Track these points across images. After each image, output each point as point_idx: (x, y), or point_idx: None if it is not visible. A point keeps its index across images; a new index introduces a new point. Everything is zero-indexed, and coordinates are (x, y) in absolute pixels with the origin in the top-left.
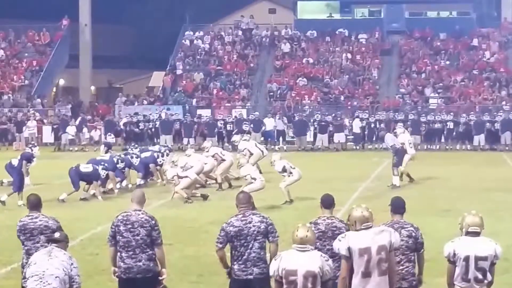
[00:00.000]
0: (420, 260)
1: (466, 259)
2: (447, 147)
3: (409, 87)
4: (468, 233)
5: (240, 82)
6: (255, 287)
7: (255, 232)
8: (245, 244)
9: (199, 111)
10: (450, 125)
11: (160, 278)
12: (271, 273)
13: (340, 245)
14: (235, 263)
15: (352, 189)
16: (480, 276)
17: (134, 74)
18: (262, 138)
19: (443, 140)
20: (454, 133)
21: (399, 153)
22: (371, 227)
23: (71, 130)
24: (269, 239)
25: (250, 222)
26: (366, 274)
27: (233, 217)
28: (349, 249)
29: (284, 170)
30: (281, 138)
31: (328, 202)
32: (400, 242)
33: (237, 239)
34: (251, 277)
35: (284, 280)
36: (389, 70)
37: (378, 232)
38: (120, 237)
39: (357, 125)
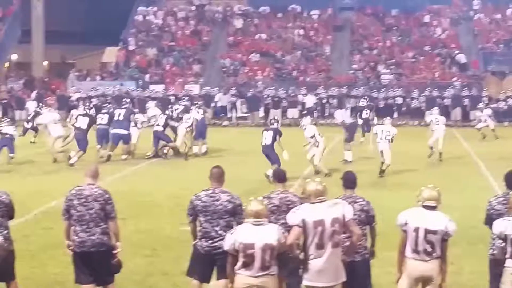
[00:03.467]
0: (372, 233)
1: (416, 230)
2: (398, 122)
3: (361, 63)
4: (424, 207)
5: (193, 57)
6: (221, 262)
7: (221, 210)
8: (211, 220)
9: (152, 86)
10: (400, 100)
11: (114, 252)
12: (226, 247)
13: (294, 217)
14: (202, 239)
15: (305, 164)
16: (429, 249)
17: (87, 49)
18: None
19: (395, 116)
20: (405, 109)
21: (350, 128)
22: (325, 200)
23: (31, 105)
24: (235, 219)
25: (218, 200)
26: (320, 246)
27: (203, 191)
28: (303, 221)
29: (313, 136)
30: (233, 113)
31: (281, 177)
32: (353, 216)
33: (203, 214)
34: (220, 250)
35: (241, 254)
36: (341, 46)
37: (332, 205)
38: (74, 211)
39: (311, 101)
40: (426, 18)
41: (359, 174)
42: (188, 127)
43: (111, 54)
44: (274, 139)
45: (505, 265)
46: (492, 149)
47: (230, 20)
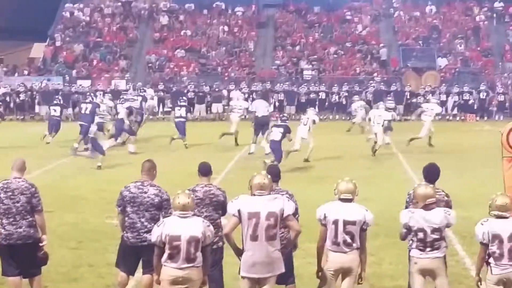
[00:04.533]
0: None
1: (335, 222)
2: (321, 117)
3: (284, 58)
4: (340, 200)
5: (119, 53)
6: (146, 254)
7: (148, 203)
8: (138, 212)
9: (79, 82)
10: (323, 95)
11: (40, 244)
12: (153, 239)
13: (231, 206)
14: (128, 230)
15: (229, 158)
16: (348, 240)
17: (14, 45)
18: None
19: (317, 110)
20: (327, 104)
21: (261, 123)
22: (265, 194)
23: None
24: (162, 214)
25: (145, 192)
26: (254, 238)
27: (132, 183)
28: (239, 211)
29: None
30: (160, 108)
31: (205, 170)
32: (293, 212)
33: (131, 205)
34: (145, 243)
35: (167, 246)
36: (265, 42)
37: (272, 199)
38: (1, 204)
39: (236, 96)
40: (348, 15)
41: (282, 168)
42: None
43: (38, 50)
44: (283, 136)
45: (410, 254)
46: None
47: (156, 16)
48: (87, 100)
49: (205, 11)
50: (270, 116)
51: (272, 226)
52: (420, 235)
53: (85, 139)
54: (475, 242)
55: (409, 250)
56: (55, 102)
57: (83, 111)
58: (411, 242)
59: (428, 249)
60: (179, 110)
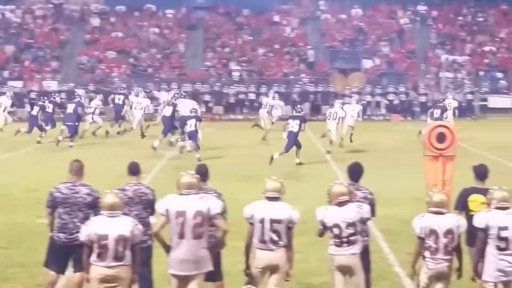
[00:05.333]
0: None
1: (262, 221)
2: (250, 117)
3: (214, 60)
4: (267, 198)
5: (51, 55)
6: (77, 254)
7: (81, 203)
8: (70, 212)
9: (10, 83)
10: (252, 96)
11: None
12: (81, 238)
13: (159, 206)
14: (59, 231)
15: (159, 157)
16: (275, 238)
17: None
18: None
19: (246, 110)
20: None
21: (166, 121)
22: (193, 193)
23: None
24: (94, 212)
25: (77, 193)
26: (181, 236)
27: (62, 184)
28: (167, 210)
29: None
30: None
31: (134, 169)
32: (220, 211)
33: (62, 206)
34: (77, 242)
35: (96, 245)
36: (195, 44)
37: (199, 198)
38: None
39: (163, 97)
40: (276, 18)
41: (212, 167)
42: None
43: None
44: (300, 127)
45: (328, 252)
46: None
47: (87, 18)
48: (75, 100)
49: (136, 13)
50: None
51: (199, 225)
52: (336, 231)
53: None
54: (399, 239)
55: (328, 247)
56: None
57: (67, 111)
58: (329, 239)
59: (344, 245)
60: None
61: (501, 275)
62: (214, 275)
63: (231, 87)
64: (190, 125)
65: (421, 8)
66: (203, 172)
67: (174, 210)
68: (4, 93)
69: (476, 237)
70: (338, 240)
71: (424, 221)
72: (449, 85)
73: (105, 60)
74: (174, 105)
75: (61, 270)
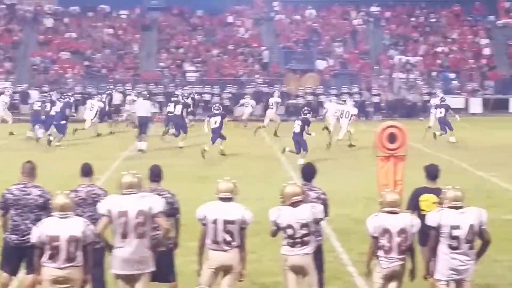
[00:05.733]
0: (177, 224)
1: (215, 221)
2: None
3: (168, 61)
4: (220, 199)
5: (4, 55)
6: (29, 255)
7: (32, 204)
8: (22, 214)
9: None
10: (207, 97)
11: None
12: (33, 240)
13: (101, 206)
14: (12, 232)
15: (113, 158)
16: (228, 238)
17: None
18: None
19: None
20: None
21: (142, 123)
22: (134, 192)
23: None
24: (45, 214)
25: (29, 194)
26: (124, 236)
27: (14, 185)
28: (109, 211)
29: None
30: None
31: (87, 170)
32: (161, 210)
33: (14, 208)
34: (29, 244)
35: (47, 246)
36: (149, 45)
37: (140, 197)
38: None
39: (117, 98)
40: (230, 19)
41: (167, 168)
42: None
43: None
44: (303, 128)
45: (281, 252)
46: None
47: (41, 19)
48: (63, 100)
49: (90, 14)
50: (152, 117)
51: (141, 224)
52: (289, 231)
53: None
54: (352, 238)
55: (281, 247)
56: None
57: (55, 110)
58: (282, 239)
59: (298, 245)
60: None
61: (453, 274)
62: (167, 276)
63: (185, 88)
64: (215, 122)
65: (374, 9)
66: (156, 173)
67: (116, 210)
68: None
69: (429, 236)
70: (291, 241)
71: (378, 221)
72: (402, 85)
73: (59, 61)
74: (187, 104)
75: (14, 272)
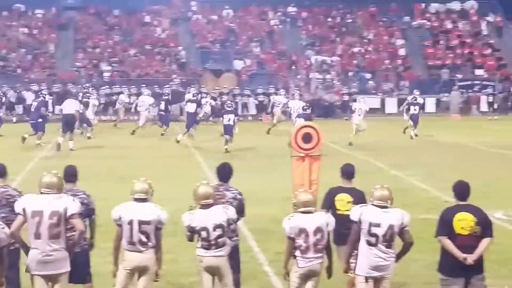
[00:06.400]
0: (92, 225)
1: (130, 222)
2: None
3: (84, 60)
4: (135, 200)
5: None
6: None
7: None
8: None
9: None
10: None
11: None
12: None
13: (17, 205)
14: None
15: (29, 159)
16: (144, 239)
17: None
18: None
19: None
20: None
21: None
22: (53, 192)
23: None
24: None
25: None
26: (37, 236)
27: None
28: (23, 210)
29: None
30: None
31: (0, 171)
32: (77, 211)
33: None
34: None
35: None
36: (65, 44)
37: (57, 198)
38: None
39: (29, 98)
40: (147, 18)
41: (83, 168)
42: None
43: None
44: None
45: (196, 253)
46: (210, 143)
47: None
48: (38, 99)
49: (4, 13)
50: (77, 115)
51: (55, 225)
52: (204, 234)
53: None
54: (269, 238)
55: (196, 249)
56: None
57: (31, 109)
58: (197, 241)
59: (213, 247)
60: None
61: (372, 270)
62: (83, 277)
63: (102, 88)
64: (229, 119)
65: (291, 9)
66: (72, 173)
67: (30, 209)
68: None
69: (343, 235)
70: (206, 243)
71: (294, 221)
72: (319, 86)
73: None
74: (198, 102)
75: None
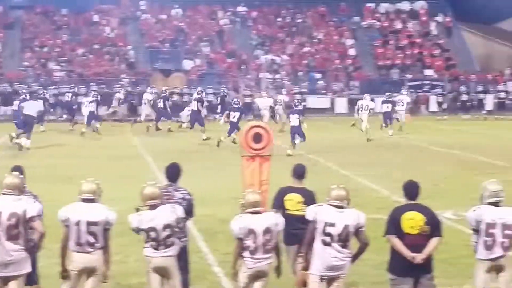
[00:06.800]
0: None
1: (78, 223)
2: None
3: (32, 60)
4: (83, 200)
5: None
6: None
7: None
8: None
9: None
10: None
11: None
12: None
13: None
14: None
15: None
16: (92, 240)
17: None
18: None
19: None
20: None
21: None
22: (13, 194)
23: None
24: None
25: None
26: None
27: None
28: None
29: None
30: None
31: None
32: (37, 213)
33: None
34: None
35: None
36: (12, 43)
37: (16, 200)
38: None
39: None
40: (96, 18)
41: (30, 168)
42: None
43: None
44: (299, 120)
45: (144, 254)
46: (159, 143)
47: None
48: (20, 97)
49: None
50: (36, 117)
51: (13, 226)
52: (152, 234)
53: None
54: (218, 238)
55: (144, 250)
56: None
57: (13, 108)
58: (145, 242)
59: (161, 247)
60: None
61: (327, 270)
62: (30, 278)
63: (50, 88)
64: (234, 117)
65: (241, 9)
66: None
67: None
68: None
69: (293, 236)
70: (155, 243)
71: (242, 222)
72: (269, 85)
73: None
74: (202, 101)
75: None
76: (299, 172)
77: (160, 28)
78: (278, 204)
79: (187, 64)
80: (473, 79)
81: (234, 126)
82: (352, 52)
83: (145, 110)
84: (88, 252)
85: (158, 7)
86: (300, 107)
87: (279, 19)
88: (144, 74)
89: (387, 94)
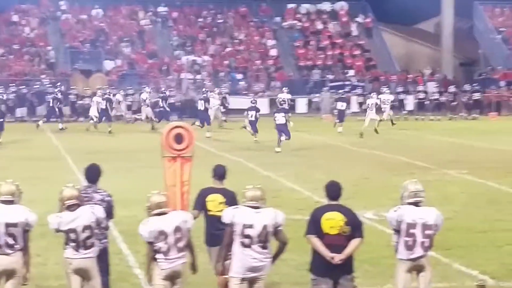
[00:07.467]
0: None
1: None
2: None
3: None
4: (2, 202)
5: None
6: None
7: None
8: None
9: None
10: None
11: None
12: None
13: None
14: None
15: None
16: (11, 242)
17: None
18: None
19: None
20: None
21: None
22: None
23: None
24: None
25: None
26: None
27: None
28: None
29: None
30: None
31: None
32: None
33: None
34: None
35: None
36: None
37: None
38: None
39: None
40: (15, 18)
41: None
42: None
43: None
44: (285, 118)
45: (64, 256)
46: (79, 144)
47: None
48: None
49: None
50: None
51: None
52: (72, 235)
53: None
54: (139, 240)
55: (64, 251)
56: None
57: None
58: (65, 243)
59: (81, 249)
60: None
61: (247, 271)
62: None
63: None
64: (251, 115)
65: (162, 9)
66: None
67: None
68: None
69: (215, 237)
70: (74, 244)
71: (151, 225)
72: (190, 86)
73: None
74: (207, 99)
75: None
76: (220, 173)
77: (81, 28)
78: (200, 205)
79: (108, 64)
80: (393, 80)
81: (254, 124)
82: (273, 52)
83: (144, 110)
84: (7, 254)
85: (79, 7)
86: (285, 106)
87: (200, 19)
88: (65, 75)
89: (340, 91)
